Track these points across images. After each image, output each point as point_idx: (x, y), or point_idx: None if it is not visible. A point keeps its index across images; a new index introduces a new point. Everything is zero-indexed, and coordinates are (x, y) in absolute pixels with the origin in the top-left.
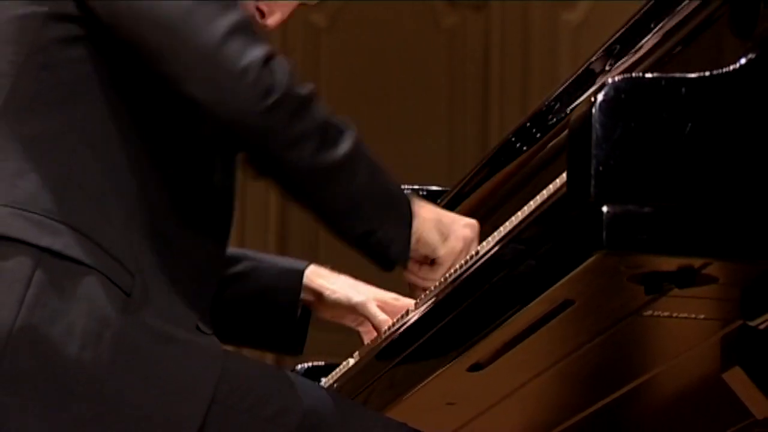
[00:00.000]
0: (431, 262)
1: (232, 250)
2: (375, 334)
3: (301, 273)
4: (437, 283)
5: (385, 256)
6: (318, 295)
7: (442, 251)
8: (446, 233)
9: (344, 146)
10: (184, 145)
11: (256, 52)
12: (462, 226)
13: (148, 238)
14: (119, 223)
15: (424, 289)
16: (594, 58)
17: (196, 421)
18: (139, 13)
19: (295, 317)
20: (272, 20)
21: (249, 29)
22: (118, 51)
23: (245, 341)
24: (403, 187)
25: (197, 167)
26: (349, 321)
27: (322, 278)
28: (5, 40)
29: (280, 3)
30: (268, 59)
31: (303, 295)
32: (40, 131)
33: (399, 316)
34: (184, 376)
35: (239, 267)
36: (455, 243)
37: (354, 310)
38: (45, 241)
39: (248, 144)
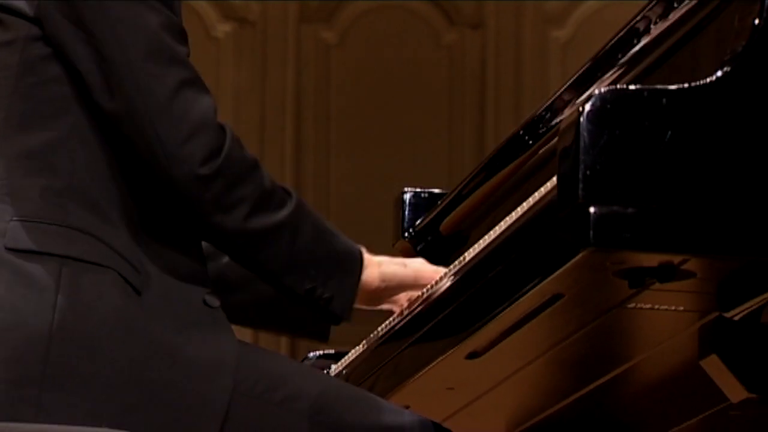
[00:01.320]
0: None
1: None
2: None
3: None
4: (434, 282)
5: (329, 310)
6: None
7: (410, 271)
8: (404, 263)
9: (284, 211)
10: None
11: (205, 111)
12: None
13: (147, 234)
14: (121, 224)
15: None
16: (581, 71)
17: (225, 399)
18: (84, 47)
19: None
20: None
21: (197, 81)
22: None
23: (281, 328)
24: (406, 189)
25: None
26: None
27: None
28: None
29: None
30: (203, 125)
31: None
32: (40, 144)
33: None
34: (207, 359)
35: None
36: (416, 263)
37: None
38: (63, 249)
39: (183, 204)
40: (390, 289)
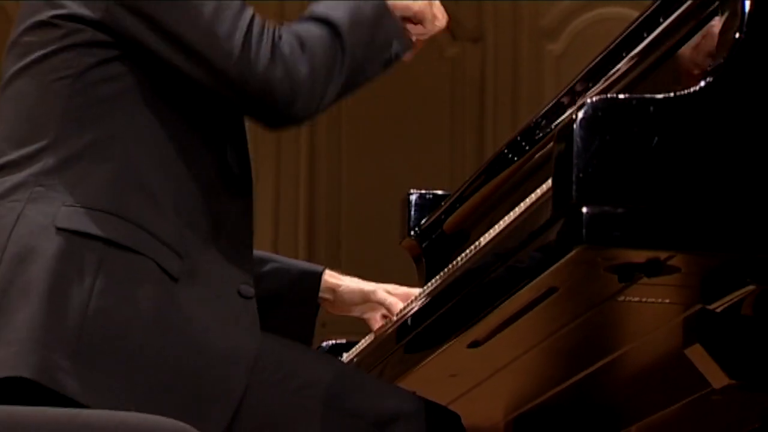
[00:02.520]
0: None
1: (260, 253)
2: (379, 320)
3: (320, 274)
4: (443, 273)
5: (399, 55)
6: (333, 291)
7: (416, 7)
8: None
9: (342, 54)
10: (209, 139)
11: (253, 33)
12: None
13: (192, 222)
14: (168, 212)
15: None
16: (574, 81)
17: (240, 387)
18: (165, 35)
19: (315, 311)
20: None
21: (258, 32)
22: (148, 59)
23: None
24: (411, 191)
25: (220, 157)
26: (357, 312)
27: (334, 278)
28: (54, 68)
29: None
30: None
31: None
32: (95, 140)
33: (408, 301)
34: (229, 348)
35: (266, 267)
36: None
37: (366, 299)
38: (107, 233)
39: (306, 108)
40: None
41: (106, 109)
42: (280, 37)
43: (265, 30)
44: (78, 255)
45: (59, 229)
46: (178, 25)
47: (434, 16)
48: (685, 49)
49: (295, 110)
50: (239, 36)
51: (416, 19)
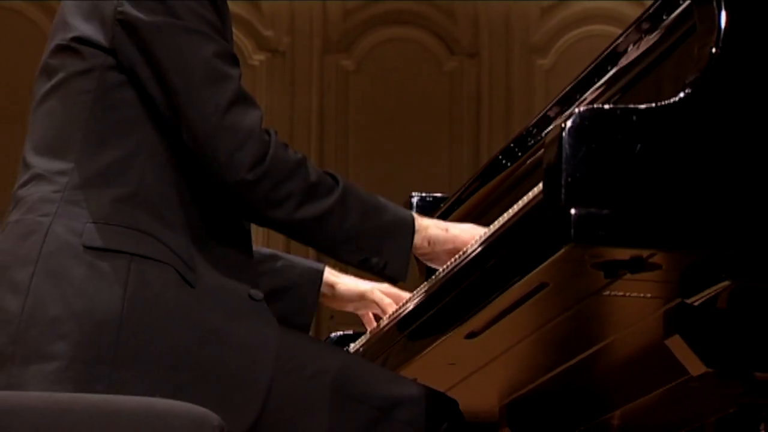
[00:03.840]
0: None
1: (269, 250)
2: (372, 318)
3: (321, 271)
4: (444, 268)
5: (384, 275)
6: (332, 287)
7: (450, 236)
8: (447, 227)
9: (331, 198)
10: None
11: (251, 124)
12: (461, 225)
13: (201, 237)
14: (179, 227)
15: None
16: (562, 93)
17: (267, 378)
18: (159, 78)
19: (315, 303)
20: None
21: (246, 98)
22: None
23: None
24: (413, 194)
25: None
26: (351, 308)
27: (334, 275)
28: (76, 90)
29: None
30: (251, 134)
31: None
32: (113, 159)
33: (400, 302)
34: (252, 343)
35: (274, 264)
36: (459, 230)
37: (362, 297)
38: (131, 248)
39: (239, 204)
40: (435, 251)
41: (123, 130)
42: (275, 133)
43: (249, 108)
44: (107, 271)
45: (86, 248)
46: (172, 71)
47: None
48: (666, 63)
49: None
50: (221, 106)
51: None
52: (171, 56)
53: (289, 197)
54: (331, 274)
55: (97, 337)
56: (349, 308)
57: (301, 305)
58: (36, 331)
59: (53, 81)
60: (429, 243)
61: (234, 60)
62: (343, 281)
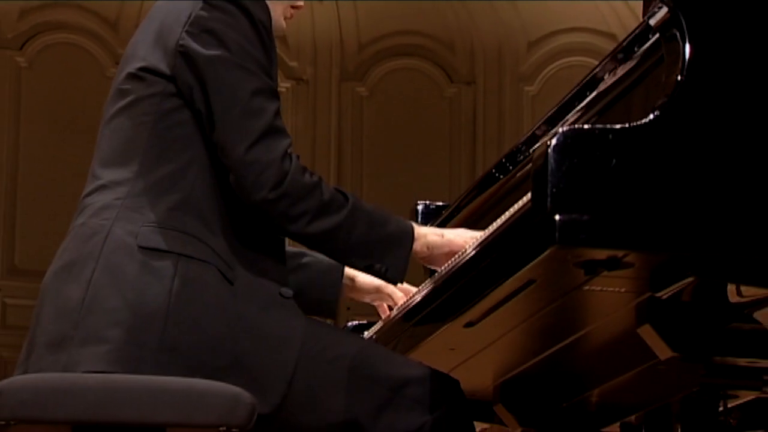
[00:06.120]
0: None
1: (296, 249)
2: (386, 308)
3: (343, 266)
4: (445, 266)
5: (386, 278)
6: (352, 279)
7: (445, 241)
8: (442, 233)
9: (340, 215)
10: None
11: (270, 156)
12: (454, 231)
13: (240, 240)
14: (220, 232)
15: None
16: (547, 115)
17: (291, 366)
18: (206, 99)
19: (338, 294)
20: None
21: (272, 133)
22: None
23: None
24: (418, 202)
25: None
26: (368, 299)
27: (354, 270)
28: (141, 112)
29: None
30: (278, 159)
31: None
32: (168, 172)
33: (416, 290)
34: (280, 335)
35: (302, 260)
36: (453, 234)
37: (378, 290)
38: (179, 248)
39: (267, 216)
40: (433, 255)
41: (178, 147)
42: (297, 158)
43: (279, 139)
44: (157, 268)
45: (140, 248)
46: (218, 100)
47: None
48: (637, 89)
49: (273, 207)
50: (252, 138)
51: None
52: (218, 86)
53: (304, 214)
54: (351, 269)
55: (146, 325)
56: (366, 299)
57: (326, 297)
58: (94, 318)
59: (121, 103)
60: (428, 248)
61: (273, 94)
62: (361, 275)
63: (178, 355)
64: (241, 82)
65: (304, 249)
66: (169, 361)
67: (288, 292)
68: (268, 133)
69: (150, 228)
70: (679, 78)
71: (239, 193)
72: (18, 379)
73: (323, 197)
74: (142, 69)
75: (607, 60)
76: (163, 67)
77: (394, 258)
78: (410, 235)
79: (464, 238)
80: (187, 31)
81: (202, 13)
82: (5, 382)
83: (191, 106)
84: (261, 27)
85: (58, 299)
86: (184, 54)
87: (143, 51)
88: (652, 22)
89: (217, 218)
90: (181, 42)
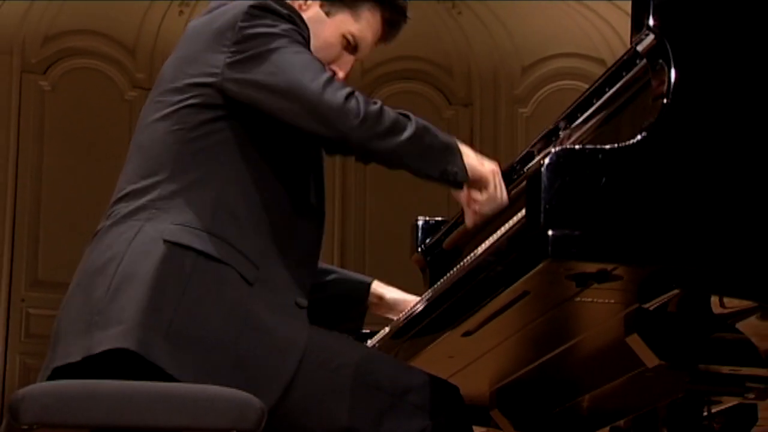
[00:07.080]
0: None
1: (326, 266)
2: None
3: (369, 284)
4: (443, 280)
5: (456, 181)
6: (380, 297)
7: (485, 170)
8: (481, 160)
9: (410, 128)
10: (291, 177)
11: (342, 93)
12: (488, 161)
13: (269, 243)
14: (252, 234)
15: (474, 212)
16: (540, 136)
17: (291, 371)
18: (266, 93)
19: (364, 311)
20: (341, 76)
21: (334, 81)
22: (246, 119)
23: (328, 325)
24: (419, 218)
25: (300, 191)
26: (392, 314)
27: (382, 287)
28: (176, 121)
29: (343, 64)
30: (350, 95)
31: (369, 299)
32: (199, 177)
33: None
34: (284, 339)
35: (330, 277)
36: (490, 165)
37: (405, 306)
38: (200, 246)
39: (355, 148)
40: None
41: (210, 155)
42: (360, 93)
43: (342, 84)
44: (177, 260)
45: (165, 241)
46: (273, 78)
47: (496, 189)
48: (625, 111)
49: (351, 136)
50: (321, 80)
51: (479, 185)
52: (272, 75)
53: (387, 133)
54: (378, 287)
55: (157, 312)
56: (391, 315)
57: (352, 312)
58: (117, 304)
59: (159, 114)
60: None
61: (320, 62)
62: (390, 294)
63: (182, 345)
64: (296, 56)
65: (331, 266)
66: (174, 348)
67: (303, 302)
68: (332, 80)
69: (177, 226)
70: (665, 101)
71: (322, 128)
72: (41, 385)
73: (393, 116)
74: (187, 85)
75: (597, 84)
76: (207, 80)
77: (457, 160)
78: (456, 141)
79: (492, 168)
80: (233, 42)
81: (244, 24)
82: (29, 388)
83: (223, 117)
84: (301, 27)
85: (86, 292)
86: (231, 64)
87: (183, 64)
88: (640, 48)
89: (251, 221)
90: (227, 56)
